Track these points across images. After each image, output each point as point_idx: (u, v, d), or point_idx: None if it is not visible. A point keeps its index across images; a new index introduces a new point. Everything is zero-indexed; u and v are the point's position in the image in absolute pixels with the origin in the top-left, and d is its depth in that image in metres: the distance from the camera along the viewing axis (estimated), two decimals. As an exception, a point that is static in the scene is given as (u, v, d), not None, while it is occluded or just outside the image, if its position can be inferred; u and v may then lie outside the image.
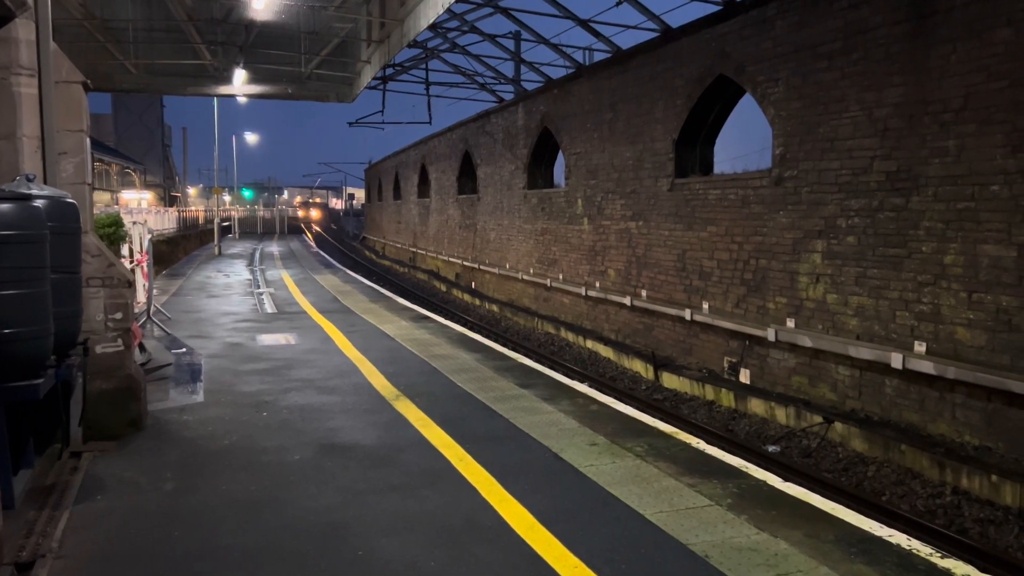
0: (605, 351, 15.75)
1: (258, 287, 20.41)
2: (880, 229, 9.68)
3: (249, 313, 15.14)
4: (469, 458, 6.15)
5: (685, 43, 13.65)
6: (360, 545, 4.55)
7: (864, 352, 9.68)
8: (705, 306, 13.16)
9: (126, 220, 14.23)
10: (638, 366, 14.27)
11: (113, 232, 12.22)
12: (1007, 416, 8.13)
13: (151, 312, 13.34)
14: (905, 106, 9.27)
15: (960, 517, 7.58)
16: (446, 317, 19.15)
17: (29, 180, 5.41)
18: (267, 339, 11.97)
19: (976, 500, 7.78)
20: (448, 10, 16.10)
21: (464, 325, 18.28)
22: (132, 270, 12.63)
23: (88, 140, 6.88)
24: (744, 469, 5.97)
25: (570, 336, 17.54)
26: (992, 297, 8.33)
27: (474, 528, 4.81)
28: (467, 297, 25.72)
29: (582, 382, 11.12)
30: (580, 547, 4.51)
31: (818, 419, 9.95)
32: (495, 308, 22.82)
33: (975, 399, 8.46)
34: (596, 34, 16.85)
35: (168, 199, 66.41)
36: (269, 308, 15.94)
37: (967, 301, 8.61)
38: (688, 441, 6.71)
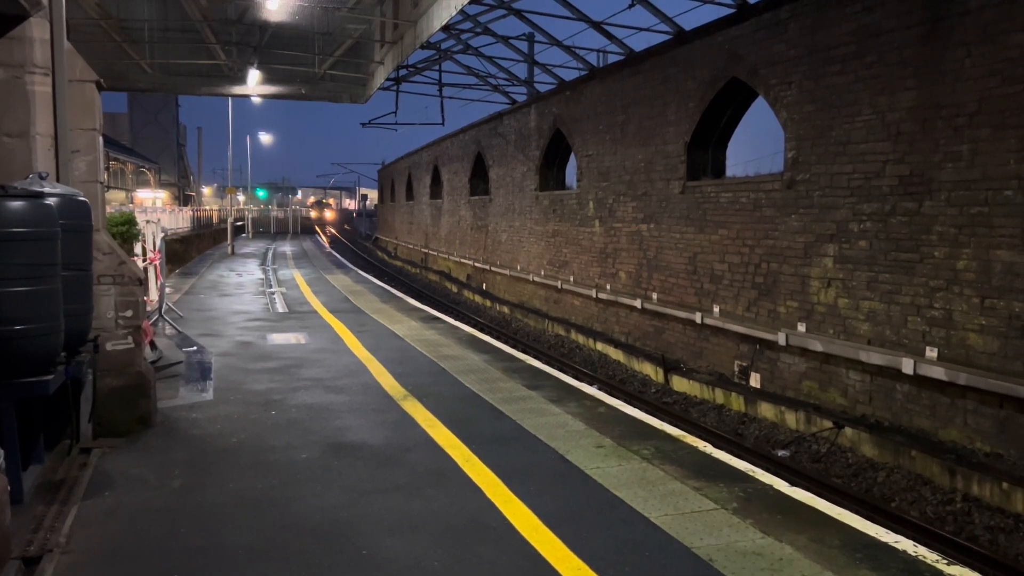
0: (615, 353, 15.72)
1: (270, 286, 20.52)
2: (892, 233, 9.61)
3: (260, 312, 15.22)
4: (475, 459, 6.16)
5: (698, 45, 13.62)
6: (365, 544, 4.57)
7: (875, 357, 9.62)
8: (716, 309, 13.11)
9: (140, 219, 14.34)
10: (648, 369, 14.24)
11: (126, 230, 12.34)
12: (1019, 423, 8.05)
13: (163, 310, 13.44)
14: (918, 110, 9.21)
15: (970, 524, 7.51)
16: (456, 318, 19.18)
17: (42, 178, 5.48)
18: (277, 338, 12.03)
19: (987, 507, 7.71)
20: (461, 12, 16.17)
21: (474, 326, 18.29)
22: (144, 268, 12.73)
23: (101, 139, 6.95)
24: (751, 473, 5.94)
25: (580, 338, 17.52)
26: (1005, 303, 8.26)
27: (479, 529, 4.81)
28: (478, 298, 25.74)
29: (591, 384, 11.09)
30: (584, 549, 4.51)
31: (828, 424, 9.90)
32: (506, 310, 22.82)
33: (987, 405, 8.38)
34: (609, 36, 16.84)
35: (183, 198, 66.88)
36: (280, 307, 16.02)
37: (980, 307, 8.54)
38: (695, 444, 6.69)
